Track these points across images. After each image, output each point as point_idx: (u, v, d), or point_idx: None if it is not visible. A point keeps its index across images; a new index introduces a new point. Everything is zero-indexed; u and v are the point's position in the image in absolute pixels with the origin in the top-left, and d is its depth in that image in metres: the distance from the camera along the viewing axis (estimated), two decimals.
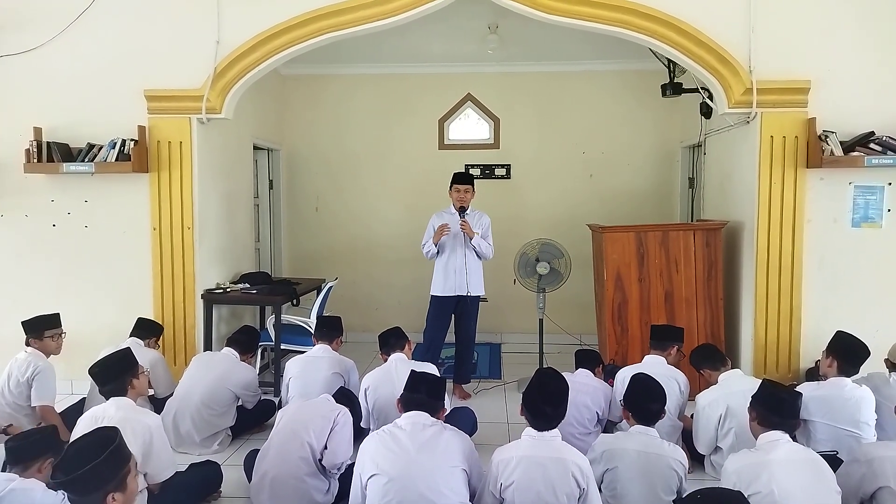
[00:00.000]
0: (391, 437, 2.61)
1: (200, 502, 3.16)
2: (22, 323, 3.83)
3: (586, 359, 3.88)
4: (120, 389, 2.98)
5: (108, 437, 2.11)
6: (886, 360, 3.68)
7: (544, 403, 2.53)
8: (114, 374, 3.00)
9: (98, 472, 2.00)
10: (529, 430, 2.57)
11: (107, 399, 2.98)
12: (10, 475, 2.40)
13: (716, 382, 3.49)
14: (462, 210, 4.72)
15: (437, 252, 4.78)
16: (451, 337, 4.95)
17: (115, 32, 4.53)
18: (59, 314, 3.94)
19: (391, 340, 3.78)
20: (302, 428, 3.01)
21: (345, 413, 3.16)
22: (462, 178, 4.81)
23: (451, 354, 5.11)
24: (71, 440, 2.13)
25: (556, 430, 2.55)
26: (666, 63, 5.19)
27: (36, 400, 3.66)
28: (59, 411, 3.81)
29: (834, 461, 2.80)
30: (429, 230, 4.83)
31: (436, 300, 4.83)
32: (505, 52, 5.89)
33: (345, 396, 3.40)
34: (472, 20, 5.23)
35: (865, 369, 3.45)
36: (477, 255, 4.79)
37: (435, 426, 2.66)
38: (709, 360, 3.60)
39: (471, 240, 4.69)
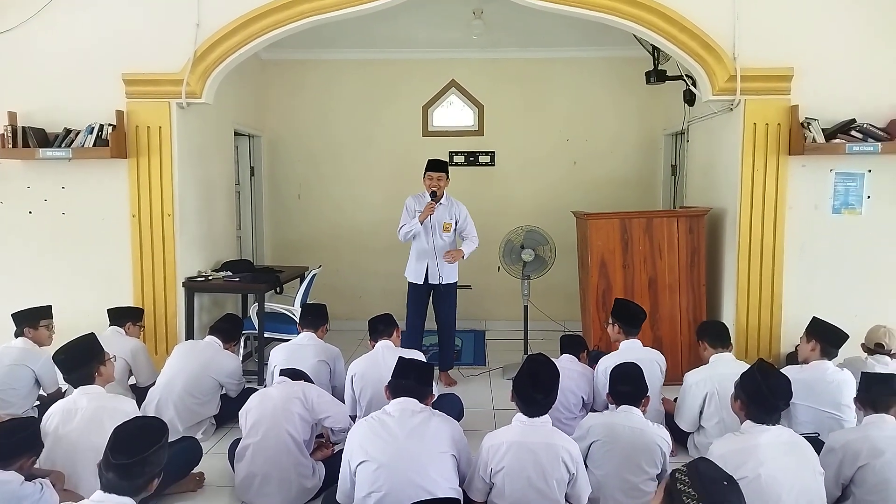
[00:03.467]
0: (380, 424, 2.60)
1: (182, 478, 3.11)
2: (19, 313, 3.81)
3: (571, 344, 3.90)
4: (87, 377, 2.92)
5: (160, 428, 2.18)
6: (863, 345, 3.75)
7: (535, 391, 2.53)
8: (79, 361, 2.93)
9: (158, 457, 2.08)
10: (520, 416, 2.58)
11: (74, 387, 2.92)
12: None
13: (706, 361, 3.55)
14: (434, 195, 4.61)
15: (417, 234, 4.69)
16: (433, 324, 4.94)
17: (92, 14, 4.43)
18: (51, 306, 3.95)
19: (379, 327, 3.75)
20: (274, 421, 2.97)
21: (307, 385, 3.18)
22: (435, 166, 4.67)
23: (434, 342, 5.11)
24: (113, 429, 2.13)
25: (546, 415, 2.56)
26: (650, 50, 5.19)
27: (49, 388, 3.76)
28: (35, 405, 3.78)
29: (816, 443, 2.84)
30: (405, 213, 4.75)
31: (411, 286, 4.82)
32: (490, 37, 5.85)
33: (292, 374, 3.32)
34: (456, 5, 5.20)
35: (842, 354, 3.52)
36: (453, 242, 4.76)
37: (424, 412, 2.65)
38: (717, 338, 3.58)
39: (464, 257, 4.65)
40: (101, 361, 3.00)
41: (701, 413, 3.43)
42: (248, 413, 3.07)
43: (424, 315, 4.85)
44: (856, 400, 2.88)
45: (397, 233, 4.76)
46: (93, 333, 3.22)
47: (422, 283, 4.73)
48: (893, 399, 2.71)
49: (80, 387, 2.90)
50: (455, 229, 4.77)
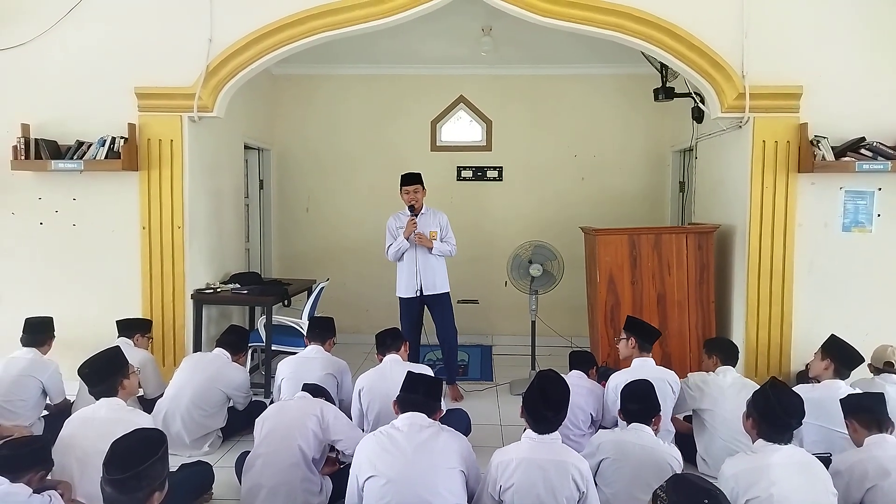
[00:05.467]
0: (388, 439, 2.59)
1: (192, 503, 3.11)
2: (35, 323, 3.86)
3: (581, 360, 3.88)
4: (110, 390, 2.94)
5: (158, 439, 2.14)
6: (870, 365, 3.72)
7: (546, 408, 2.52)
8: (104, 374, 2.95)
9: (154, 470, 2.03)
10: (530, 433, 2.56)
11: (97, 399, 2.94)
12: None
13: (712, 370, 3.62)
14: (412, 208, 4.70)
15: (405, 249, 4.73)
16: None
17: (105, 28, 4.48)
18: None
19: (387, 341, 3.75)
20: (287, 434, 2.97)
21: (326, 404, 3.16)
22: (409, 179, 4.75)
23: (440, 356, 5.09)
24: (113, 440, 2.11)
25: (556, 432, 2.54)
26: (658, 67, 5.22)
27: (56, 398, 3.80)
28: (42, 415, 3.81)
29: (827, 463, 2.81)
30: (388, 234, 4.84)
31: (402, 301, 4.85)
32: (498, 54, 5.89)
33: (313, 390, 3.34)
34: (465, 22, 5.23)
35: (854, 376, 3.51)
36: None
37: (432, 427, 2.64)
38: (730, 356, 3.66)
39: (431, 250, 4.70)
40: (125, 375, 3.01)
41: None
42: (265, 422, 3.07)
43: (419, 330, 4.86)
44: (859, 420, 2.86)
45: (385, 254, 4.82)
46: (118, 346, 3.24)
47: (414, 296, 4.74)
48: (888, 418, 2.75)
49: (103, 398, 2.91)
50: (440, 236, 4.79)
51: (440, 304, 4.81)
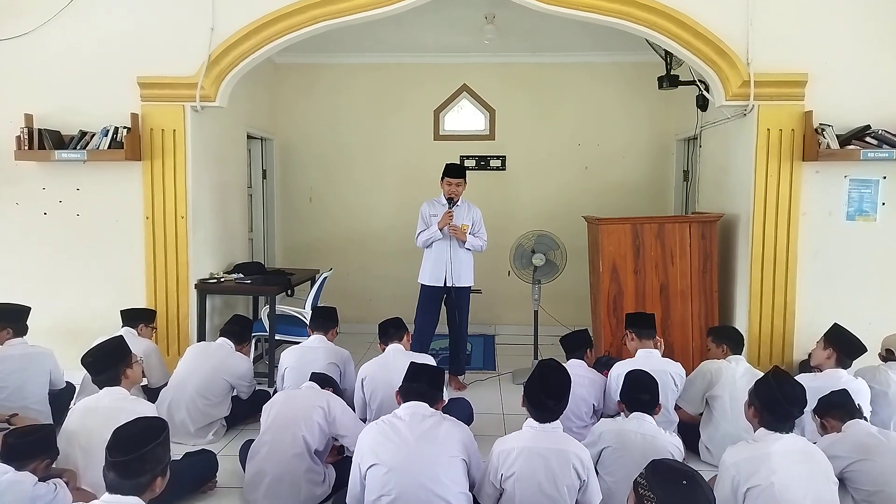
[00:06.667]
0: (390, 428, 2.60)
1: (196, 491, 3.14)
2: (25, 310, 3.78)
3: (576, 344, 3.84)
4: (113, 379, 2.95)
5: (160, 426, 2.16)
6: (880, 354, 3.72)
7: (547, 397, 2.53)
8: (107, 363, 2.96)
9: (156, 453, 2.05)
10: (531, 422, 2.57)
11: (100, 388, 2.95)
12: (4, 467, 2.38)
13: (721, 359, 3.66)
14: (451, 201, 4.69)
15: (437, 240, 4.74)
16: (445, 328, 4.94)
17: (108, 18, 4.47)
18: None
19: (390, 330, 3.75)
20: (293, 423, 2.98)
21: (333, 397, 3.17)
22: (455, 172, 4.74)
23: (445, 346, 5.10)
24: (114, 429, 2.12)
25: (557, 421, 2.55)
26: (662, 55, 5.18)
27: (59, 385, 3.77)
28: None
29: None
30: (420, 220, 4.81)
31: (424, 289, 4.83)
32: (501, 42, 5.86)
33: (321, 380, 3.36)
34: (468, 10, 5.20)
35: (856, 363, 3.50)
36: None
37: (434, 416, 2.65)
38: (738, 345, 3.73)
39: (464, 243, 4.70)
40: (128, 364, 3.02)
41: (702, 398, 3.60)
42: (272, 408, 3.10)
43: (436, 319, 4.86)
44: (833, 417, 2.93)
45: (415, 239, 4.80)
46: (121, 336, 3.25)
47: (438, 286, 4.73)
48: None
49: (106, 388, 2.93)
50: (472, 231, 4.79)
51: (460, 296, 4.81)
